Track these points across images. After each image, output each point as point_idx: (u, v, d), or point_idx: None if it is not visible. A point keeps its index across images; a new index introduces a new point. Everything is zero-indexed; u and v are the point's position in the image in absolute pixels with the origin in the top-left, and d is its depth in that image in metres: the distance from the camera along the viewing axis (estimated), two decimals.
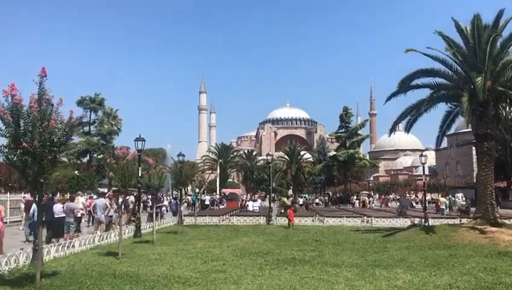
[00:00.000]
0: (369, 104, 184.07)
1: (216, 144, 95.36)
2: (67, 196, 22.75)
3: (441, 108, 21.38)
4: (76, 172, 33.73)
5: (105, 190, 34.15)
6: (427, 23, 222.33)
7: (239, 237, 18.40)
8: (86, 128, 45.64)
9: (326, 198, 59.46)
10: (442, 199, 35.09)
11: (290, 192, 75.11)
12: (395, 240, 17.24)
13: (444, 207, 33.77)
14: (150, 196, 22.73)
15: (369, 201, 52.56)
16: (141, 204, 23.31)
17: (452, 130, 23.30)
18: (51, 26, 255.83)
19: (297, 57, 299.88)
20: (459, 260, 12.24)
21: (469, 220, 24.77)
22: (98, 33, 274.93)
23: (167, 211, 28.20)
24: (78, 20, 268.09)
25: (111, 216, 17.86)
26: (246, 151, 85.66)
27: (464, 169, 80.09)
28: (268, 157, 29.23)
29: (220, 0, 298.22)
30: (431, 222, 24.23)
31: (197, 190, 27.10)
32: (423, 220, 23.94)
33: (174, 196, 30.01)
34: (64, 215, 15.68)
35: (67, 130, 9.04)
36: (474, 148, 71.83)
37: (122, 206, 22.44)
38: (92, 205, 18.91)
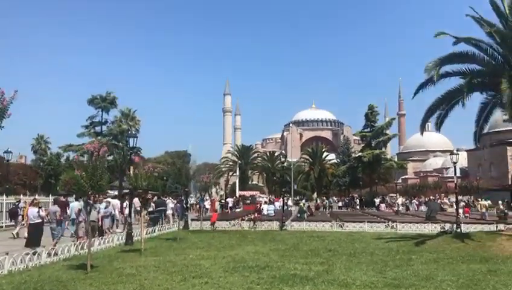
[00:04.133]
0: (397, 105, 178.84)
1: (236, 145, 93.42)
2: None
3: (472, 103, 19.03)
4: (83, 173, 32.16)
5: (115, 193, 32.59)
6: (456, 18, 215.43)
7: (243, 246, 16.32)
8: (98, 128, 44.51)
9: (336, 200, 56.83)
10: (483, 202, 32.13)
11: (315, 195, 72.58)
12: (422, 250, 14.90)
13: (484, 211, 30.91)
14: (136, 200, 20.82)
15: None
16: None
17: (485, 130, 20.84)
18: (67, 22, 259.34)
19: (323, 57, 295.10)
20: (500, 278, 9.95)
21: (507, 226, 22.17)
22: (120, 33, 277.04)
23: (174, 215, 26.33)
24: (101, 18, 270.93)
25: (94, 221, 15.95)
26: (267, 153, 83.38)
27: (498, 171, 75.86)
28: (284, 159, 26.86)
29: (243, 1, 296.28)
30: (464, 227, 21.63)
31: (203, 193, 25.09)
32: (455, 226, 21.34)
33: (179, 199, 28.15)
34: (40, 220, 13.91)
35: None
36: (508, 148, 68.11)
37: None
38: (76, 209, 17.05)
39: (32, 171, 56.09)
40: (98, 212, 16.53)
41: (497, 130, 73.38)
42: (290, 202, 48.90)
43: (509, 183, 65.61)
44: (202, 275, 10.09)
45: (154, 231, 20.44)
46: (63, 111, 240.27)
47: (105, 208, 18.38)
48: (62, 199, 18.69)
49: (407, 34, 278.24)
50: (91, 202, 15.19)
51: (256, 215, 24.02)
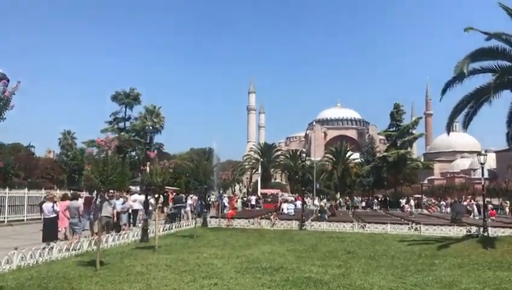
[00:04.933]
0: (424, 104, 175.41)
1: (259, 143, 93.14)
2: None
3: (504, 102, 18.18)
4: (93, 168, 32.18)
5: (138, 188, 32.62)
6: (485, 17, 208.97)
7: (259, 245, 15.92)
8: (121, 124, 44.67)
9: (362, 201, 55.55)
10: None
11: (338, 195, 71.57)
12: (446, 255, 14.21)
13: None
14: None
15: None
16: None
17: None
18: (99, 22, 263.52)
19: (349, 55, 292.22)
20: None
21: None
22: (146, 31, 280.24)
23: (192, 211, 26.18)
24: (125, 18, 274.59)
25: (109, 217, 15.76)
26: (290, 151, 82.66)
27: None
28: (304, 157, 26.34)
29: (270, 1, 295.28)
30: (491, 231, 20.71)
31: (222, 190, 24.80)
32: (481, 229, 20.43)
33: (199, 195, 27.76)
34: (55, 215, 13.81)
35: None
36: None
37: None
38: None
39: (57, 165, 57.09)
40: (114, 207, 16.37)
41: None
42: (316, 201, 48.18)
43: None
44: (213, 275, 9.75)
45: (172, 228, 20.22)
46: (91, 107, 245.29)
47: (122, 203, 18.30)
48: (87, 194, 18.62)
49: (436, 32, 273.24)
50: (106, 197, 15.12)
51: (275, 213, 23.65)
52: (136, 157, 40.31)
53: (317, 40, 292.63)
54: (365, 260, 12.85)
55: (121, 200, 18.37)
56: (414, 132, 60.39)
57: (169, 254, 12.99)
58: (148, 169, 15.13)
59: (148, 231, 16.32)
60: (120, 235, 15.68)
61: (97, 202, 11.35)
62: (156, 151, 30.24)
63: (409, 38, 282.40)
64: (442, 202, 52.17)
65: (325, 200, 45.22)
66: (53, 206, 13.75)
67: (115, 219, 17.03)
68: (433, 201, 53.81)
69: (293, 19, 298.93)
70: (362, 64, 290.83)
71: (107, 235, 14.67)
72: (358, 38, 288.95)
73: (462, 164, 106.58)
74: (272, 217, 24.73)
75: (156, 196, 15.29)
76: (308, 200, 51.18)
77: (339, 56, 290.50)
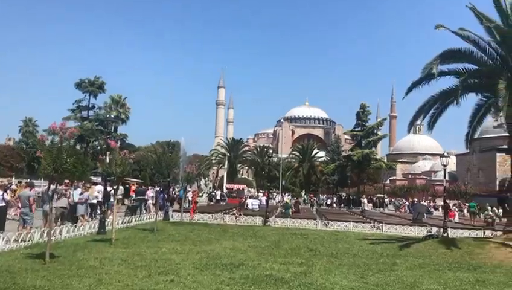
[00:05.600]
0: (389, 106, 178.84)
1: (227, 138, 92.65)
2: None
3: (464, 108, 18.48)
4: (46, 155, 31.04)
5: (99, 179, 31.62)
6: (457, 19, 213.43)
7: (221, 241, 15.55)
8: (85, 113, 43.25)
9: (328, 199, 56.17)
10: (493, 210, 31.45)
11: (303, 192, 71.90)
12: (407, 255, 14.23)
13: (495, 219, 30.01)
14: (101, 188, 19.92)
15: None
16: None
17: (477, 133, 20.19)
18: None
19: (318, 55, 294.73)
20: (489, 289, 9.31)
21: (494, 233, 21.61)
22: (117, 23, 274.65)
23: (153, 204, 25.53)
24: (99, 9, 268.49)
25: (65, 207, 15.08)
26: (258, 147, 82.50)
27: (486, 176, 75.74)
28: (270, 153, 26.07)
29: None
30: (451, 232, 21.04)
31: (185, 183, 24.23)
32: (441, 230, 20.71)
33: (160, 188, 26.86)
34: (4, 204, 13.04)
35: None
36: (498, 154, 67.58)
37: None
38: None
39: (16, 153, 55.14)
40: (69, 197, 15.65)
41: (487, 136, 73.24)
42: (285, 198, 48.09)
43: (497, 189, 65.39)
44: (170, 271, 9.31)
45: (131, 221, 19.59)
46: (57, 95, 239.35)
47: (80, 194, 17.55)
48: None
49: (403, 35, 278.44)
50: (62, 187, 14.40)
51: (238, 208, 23.37)
52: (99, 147, 39.18)
53: (288, 38, 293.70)
54: (327, 258, 12.68)
55: (79, 190, 17.60)
56: (379, 132, 61.24)
57: (126, 248, 12.46)
58: (107, 159, 14.54)
59: (106, 223, 15.69)
60: (76, 226, 14.99)
61: (49, 191, 10.65)
62: (118, 141, 29.45)
63: (377, 41, 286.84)
64: (405, 202, 53.36)
65: (289, 197, 45.19)
66: (3, 195, 12.97)
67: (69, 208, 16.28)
68: (404, 201, 54.75)
69: (264, 16, 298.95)
70: (330, 64, 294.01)
71: (61, 226, 13.97)
72: (328, 38, 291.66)
73: (423, 165, 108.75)
74: (235, 211, 24.44)
75: (115, 187, 14.62)
76: (278, 197, 51.30)
77: (308, 55, 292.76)
